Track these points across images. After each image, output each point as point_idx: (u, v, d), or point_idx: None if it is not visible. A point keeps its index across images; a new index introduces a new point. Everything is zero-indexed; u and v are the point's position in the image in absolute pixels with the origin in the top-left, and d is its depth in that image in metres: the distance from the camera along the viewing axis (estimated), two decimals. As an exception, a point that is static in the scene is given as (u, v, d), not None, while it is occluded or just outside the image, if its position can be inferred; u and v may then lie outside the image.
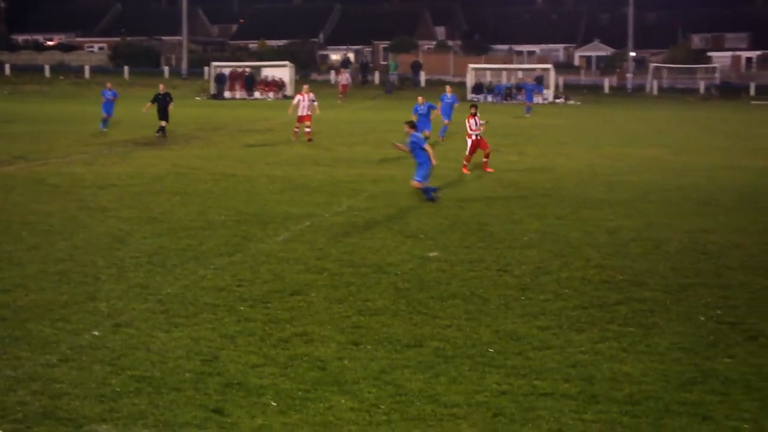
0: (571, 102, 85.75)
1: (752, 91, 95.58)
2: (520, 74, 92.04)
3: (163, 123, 43.43)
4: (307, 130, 43.01)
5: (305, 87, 45.93)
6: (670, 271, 18.00)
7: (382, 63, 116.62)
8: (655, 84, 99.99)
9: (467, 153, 33.02)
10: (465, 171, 32.51)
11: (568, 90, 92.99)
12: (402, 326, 14.08)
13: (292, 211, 24.10)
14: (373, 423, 10.48)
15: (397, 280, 16.95)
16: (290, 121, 45.65)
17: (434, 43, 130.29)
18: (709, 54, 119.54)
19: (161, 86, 45.47)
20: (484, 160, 33.21)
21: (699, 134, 51.63)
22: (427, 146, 25.82)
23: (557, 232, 21.92)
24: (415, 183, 25.79)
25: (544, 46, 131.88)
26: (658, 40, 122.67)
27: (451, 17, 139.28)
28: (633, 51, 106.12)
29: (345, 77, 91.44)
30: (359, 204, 25.47)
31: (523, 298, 15.92)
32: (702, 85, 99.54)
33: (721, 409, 10.98)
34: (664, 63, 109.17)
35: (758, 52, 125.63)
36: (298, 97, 43.99)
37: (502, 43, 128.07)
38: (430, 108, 42.20)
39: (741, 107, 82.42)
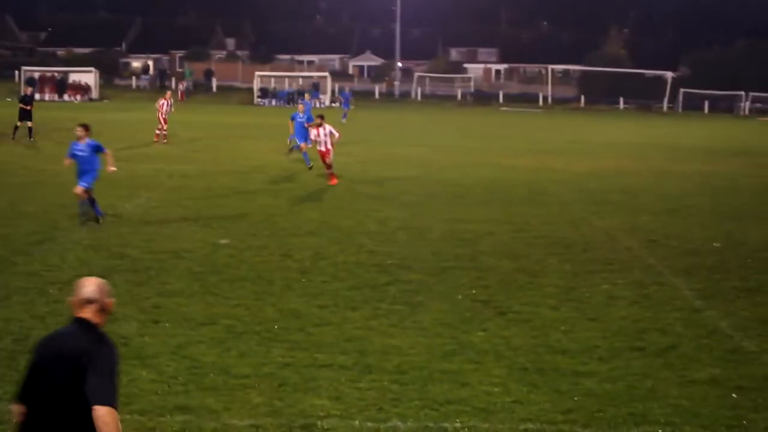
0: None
1: (501, 99, 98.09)
2: (300, 81, 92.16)
3: (29, 123, 40.95)
4: (164, 132, 41.67)
5: (168, 93, 44.91)
6: (431, 255, 18.33)
7: (179, 70, 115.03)
8: (419, 91, 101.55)
9: (325, 162, 29.34)
10: (332, 182, 28.79)
11: (343, 95, 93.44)
12: (197, 306, 13.96)
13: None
14: (172, 393, 10.37)
15: (192, 265, 16.78)
16: (95, 121, 44.29)
17: (225, 52, 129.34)
18: (465, 65, 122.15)
19: (29, 89, 43.26)
20: (328, 172, 29.28)
21: (456, 136, 52.63)
22: (108, 154, 20.90)
23: (334, 221, 22.04)
24: (79, 188, 20.36)
25: (322, 56, 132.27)
26: (421, 52, 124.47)
27: (240, 30, 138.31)
28: (400, 61, 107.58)
29: (184, 85, 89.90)
30: (157, 196, 25.06)
31: (303, 280, 15.96)
32: (459, 93, 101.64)
33: (476, 375, 11.25)
34: (427, 72, 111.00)
35: (505, 65, 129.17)
36: (162, 101, 42.57)
37: (286, 53, 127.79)
38: (311, 119, 34.10)
39: (491, 113, 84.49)
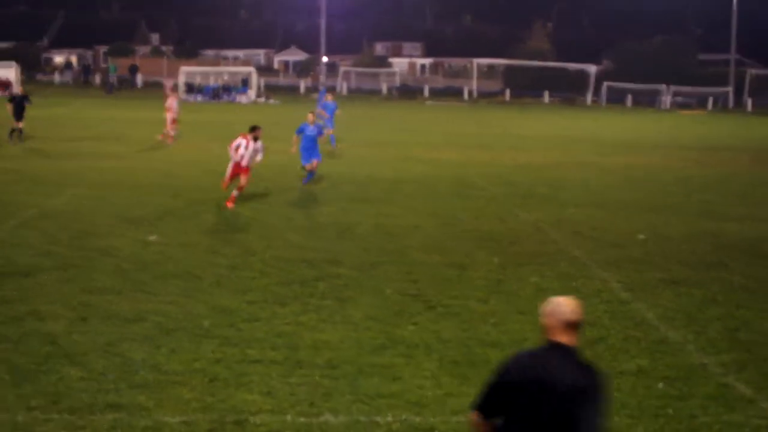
0: (272, 101, 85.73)
1: (426, 93, 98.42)
2: (226, 76, 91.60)
3: (21, 125, 39.67)
4: (172, 133, 40.39)
5: (176, 93, 43.89)
6: (361, 251, 18.39)
7: (103, 66, 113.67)
8: (345, 85, 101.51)
9: (226, 176, 24.20)
10: (229, 204, 23.16)
11: (269, 90, 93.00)
12: (126, 303, 13.88)
13: (21, 200, 23.15)
14: (102, 390, 10.32)
15: (121, 262, 16.65)
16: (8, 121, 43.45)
17: (149, 48, 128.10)
18: (390, 60, 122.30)
19: (20, 89, 42.13)
20: (234, 193, 23.63)
21: (383, 130, 52.60)
22: None
23: (262, 217, 22.02)
24: None
25: (247, 51, 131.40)
26: (346, 46, 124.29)
27: (165, 25, 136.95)
28: (325, 56, 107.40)
29: (172, 82, 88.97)
30: (84, 193, 24.78)
31: (232, 276, 15.94)
32: (384, 87, 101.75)
33: (407, 369, 11.34)
34: (352, 67, 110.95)
35: (430, 60, 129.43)
36: (171, 100, 40.98)
37: (211, 48, 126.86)
38: (320, 132, 30.06)
39: (417, 107, 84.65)
